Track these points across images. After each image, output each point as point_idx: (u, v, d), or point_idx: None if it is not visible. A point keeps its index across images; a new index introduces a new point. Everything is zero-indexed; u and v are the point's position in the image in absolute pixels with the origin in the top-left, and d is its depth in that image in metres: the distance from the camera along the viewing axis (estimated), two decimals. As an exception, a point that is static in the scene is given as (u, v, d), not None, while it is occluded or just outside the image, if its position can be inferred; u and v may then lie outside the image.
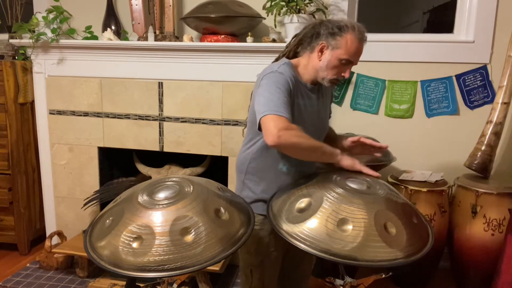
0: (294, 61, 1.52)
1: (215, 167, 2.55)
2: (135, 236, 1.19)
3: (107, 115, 2.58)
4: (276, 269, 1.64)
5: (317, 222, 1.26)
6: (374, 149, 1.59)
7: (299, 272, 1.79)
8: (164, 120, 2.51)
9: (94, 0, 2.73)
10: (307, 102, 1.49)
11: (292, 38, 1.58)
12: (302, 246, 1.24)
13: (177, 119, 2.49)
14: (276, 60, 1.59)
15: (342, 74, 1.45)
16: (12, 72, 2.61)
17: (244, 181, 1.58)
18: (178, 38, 2.57)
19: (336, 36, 1.40)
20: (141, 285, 1.41)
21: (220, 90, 2.40)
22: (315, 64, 1.46)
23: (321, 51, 1.44)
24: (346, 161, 1.44)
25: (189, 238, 1.18)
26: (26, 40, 2.50)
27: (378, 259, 1.18)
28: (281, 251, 1.61)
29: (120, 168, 2.82)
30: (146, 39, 2.47)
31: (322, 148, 1.39)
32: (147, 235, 1.18)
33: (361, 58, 1.48)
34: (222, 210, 1.31)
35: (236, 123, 2.41)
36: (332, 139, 1.65)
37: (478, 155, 2.22)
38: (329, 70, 1.44)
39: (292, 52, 1.57)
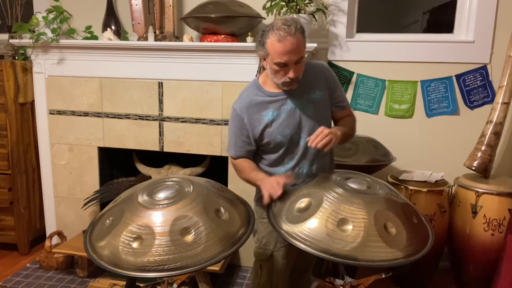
0: (265, 72, 1.56)
1: (215, 167, 2.54)
2: (135, 236, 1.19)
3: (107, 115, 2.58)
4: (285, 267, 1.66)
5: (317, 222, 1.26)
6: None
7: (308, 277, 1.81)
8: (164, 120, 2.51)
9: (94, 0, 2.73)
10: (279, 110, 1.53)
11: None
12: (302, 246, 1.24)
13: (177, 119, 2.49)
14: (259, 70, 1.66)
15: (288, 76, 1.44)
16: (12, 72, 2.61)
17: None
18: (178, 38, 2.57)
19: (263, 44, 1.43)
20: (141, 285, 1.41)
21: (220, 90, 2.40)
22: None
23: (264, 60, 1.48)
24: (262, 190, 1.46)
25: (189, 238, 1.18)
26: (26, 40, 2.50)
27: (378, 259, 1.18)
28: (290, 250, 1.63)
29: (120, 168, 2.82)
30: (146, 39, 2.47)
31: (250, 179, 1.56)
32: (147, 235, 1.18)
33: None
34: (222, 210, 1.31)
35: (236, 123, 2.41)
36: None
37: (478, 155, 2.22)
38: (275, 76, 1.47)
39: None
